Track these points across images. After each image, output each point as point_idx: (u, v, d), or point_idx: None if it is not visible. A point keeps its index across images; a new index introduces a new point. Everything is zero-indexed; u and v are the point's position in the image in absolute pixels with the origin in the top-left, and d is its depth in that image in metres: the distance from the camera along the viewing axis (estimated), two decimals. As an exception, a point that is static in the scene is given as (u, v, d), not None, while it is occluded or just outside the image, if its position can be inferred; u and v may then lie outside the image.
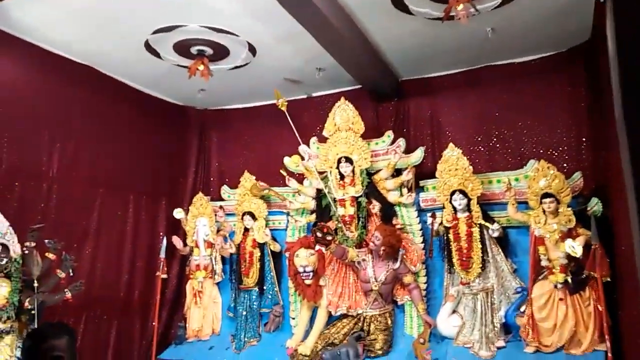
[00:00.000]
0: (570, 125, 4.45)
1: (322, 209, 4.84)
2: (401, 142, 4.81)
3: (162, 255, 5.05)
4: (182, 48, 4.55)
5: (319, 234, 4.34)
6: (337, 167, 4.76)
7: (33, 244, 3.76)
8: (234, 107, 6.18)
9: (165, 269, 5.04)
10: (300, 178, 5.13)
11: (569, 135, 4.45)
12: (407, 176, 4.61)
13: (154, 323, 4.96)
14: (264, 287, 5.07)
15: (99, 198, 4.96)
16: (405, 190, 4.68)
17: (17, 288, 3.61)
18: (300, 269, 4.51)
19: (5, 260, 3.60)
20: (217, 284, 5.34)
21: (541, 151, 4.51)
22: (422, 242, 4.58)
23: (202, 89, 5.55)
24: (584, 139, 4.37)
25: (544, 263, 3.90)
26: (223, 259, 5.38)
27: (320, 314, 4.58)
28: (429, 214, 4.48)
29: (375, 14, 3.88)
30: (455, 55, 4.67)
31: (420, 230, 4.63)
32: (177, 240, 5.36)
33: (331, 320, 4.57)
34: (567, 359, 3.73)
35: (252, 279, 5.07)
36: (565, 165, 4.26)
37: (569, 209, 3.83)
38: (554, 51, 4.51)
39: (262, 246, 5.12)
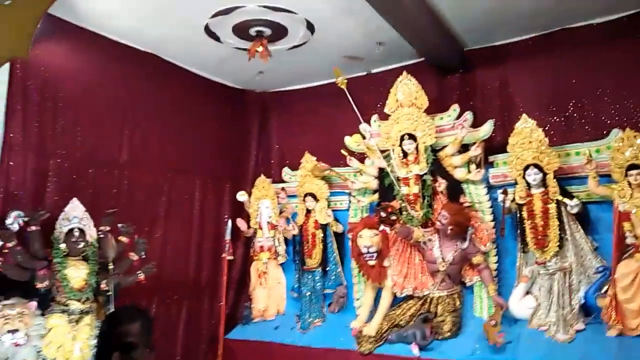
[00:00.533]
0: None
1: (385, 188, 4.71)
2: (468, 115, 4.56)
3: (228, 237, 5.16)
4: (241, 30, 4.53)
5: (382, 214, 4.24)
6: (400, 145, 4.60)
7: (108, 228, 3.92)
8: (292, 89, 6.13)
9: (231, 250, 5.15)
10: (361, 157, 5.01)
11: (657, 101, 4.04)
12: (476, 151, 4.38)
13: (221, 303, 5.09)
14: (327, 268, 5.04)
15: (167, 183, 5.10)
16: (473, 167, 4.45)
17: (95, 270, 3.79)
18: (364, 250, 4.42)
19: (83, 244, 3.78)
20: (281, 264, 5.38)
21: (624, 119, 4.10)
22: (492, 221, 4.36)
23: (260, 71, 5.54)
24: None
25: (629, 240, 3.58)
26: (286, 240, 5.40)
27: (384, 295, 4.49)
28: (499, 191, 4.22)
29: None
30: (527, 19, 4.32)
31: (490, 208, 4.39)
32: (241, 223, 5.44)
33: (396, 301, 4.47)
34: (654, 343, 3.43)
35: (315, 260, 5.05)
36: (653, 134, 3.85)
37: (658, 181, 3.48)
38: (635, 9, 4.07)
39: (324, 227, 5.09)
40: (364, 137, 4.95)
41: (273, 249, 5.33)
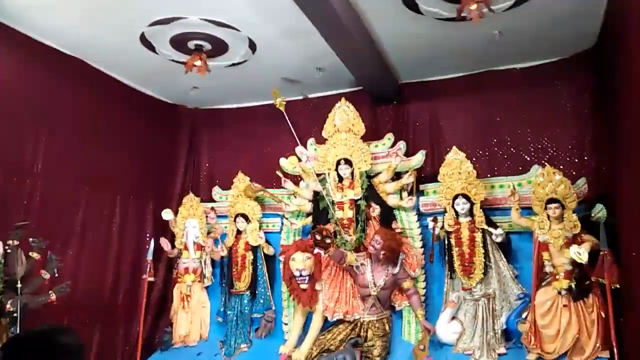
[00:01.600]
0: (573, 132, 4.44)
1: (319, 211, 4.71)
2: (401, 145, 4.73)
3: (150, 257, 4.87)
4: (179, 42, 4.39)
5: (318, 237, 4.21)
6: (336, 169, 4.65)
7: (16, 243, 3.53)
8: (227, 107, 6.04)
9: (152, 271, 4.85)
10: (296, 180, 4.99)
11: (571, 142, 4.44)
12: (408, 179, 4.53)
13: (138, 328, 4.75)
14: (256, 292, 4.89)
15: (84, 197, 4.74)
16: (405, 194, 4.60)
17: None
18: (296, 273, 4.36)
19: None
20: (206, 287, 5.15)
21: (544, 157, 4.49)
22: (421, 247, 4.50)
23: (195, 87, 5.40)
24: (586, 146, 4.37)
25: (547, 269, 3.85)
26: (213, 262, 5.19)
27: (315, 319, 4.43)
28: (429, 218, 4.38)
29: (384, 11, 3.80)
30: (458, 59, 4.63)
31: (420, 234, 4.54)
32: (165, 242, 5.15)
33: (326, 325, 4.43)
34: (570, 367, 3.68)
35: (244, 283, 4.89)
36: (568, 171, 4.22)
37: (574, 214, 3.79)
38: (557, 57, 4.51)
39: (255, 249, 4.95)
40: (300, 160, 4.94)
41: (199, 271, 5.10)
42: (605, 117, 4.00)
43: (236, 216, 5.02)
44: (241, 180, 5.17)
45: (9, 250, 3.48)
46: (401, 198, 4.58)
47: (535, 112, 4.63)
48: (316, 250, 4.34)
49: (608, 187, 3.86)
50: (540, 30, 4.04)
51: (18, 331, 3.31)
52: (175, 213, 5.27)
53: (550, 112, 4.54)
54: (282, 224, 5.05)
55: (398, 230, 4.48)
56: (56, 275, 3.65)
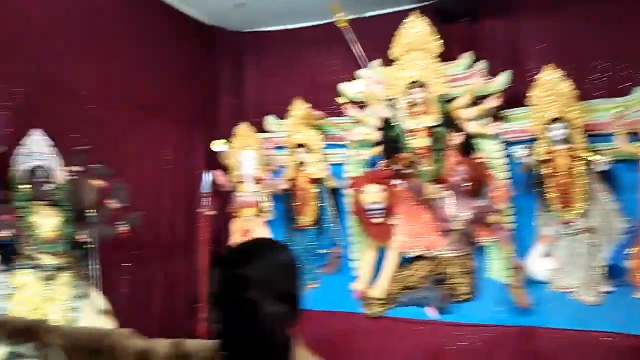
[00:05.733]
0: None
1: (389, 141, 4.31)
2: (482, 65, 4.22)
3: (207, 190, 4.56)
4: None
5: (396, 167, 3.84)
6: (408, 94, 4.20)
7: (80, 169, 3.20)
8: (274, 29, 5.51)
9: (212, 205, 4.57)
10: (359, 108, 4.55)
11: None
12: (493, 103, 4.07)
13: (201, 263, 4.53)
14: (322, 227, 4.60)
15: (135, 126, 4.37)
16: (487, 121, 4.16)
17: (69, 219, 3.08)
18: (370, 207, 4.04)
19: (50, 186, 3.05)
20: (267, 222, 4.87)
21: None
22: (507, 179, 4.10)
23: (240, 4, 4.89)
24: None
25: (657, 200, 3.46)
26: (273, 195, 4.88)
27: (390, 255, 4.14)
28: (519, 147, 3.96)
29: None
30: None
31: (506, 164, 4.13)
32: (220, 175, 4.84)
33: (402, 262, 4.15)
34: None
35: (308, 218, 4.59)
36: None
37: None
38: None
39: (318, 182, 4.62)
40: (364, 85, 4.48)
41: (258, 205, 4.80)
42: None
43: (296, 147, 4.64)
44: (299, 108, 4.74)
45: (73, 178, 3.17)
46: (483, 125, 4.15)
47: (635, 26, 4.06)
48: (394, 182, 3.97)
49: None
50: None
51: (95, 264, 3.06)
52: (227, 144, 4.92)
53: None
54: (347, 155, 4.67)
55: (481, 161, 4.08)
56: (126, 204, 3.35)
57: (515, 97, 4.18)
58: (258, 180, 4.80)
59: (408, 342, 3.83)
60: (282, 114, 5.01)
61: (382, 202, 4.03)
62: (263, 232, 4.82)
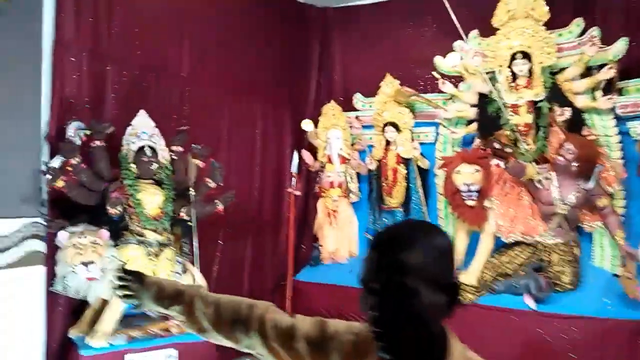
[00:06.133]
0: None
1: (487, 117, 4.03)
2: (595, 31, 3.79)
3: (294, 170, 4.56)
4: None
5: (497, 146, 3.59)
6: (509, 66, 3.90)
7: (181, 149, 3.31)
8: (360, 4, 5.34)
9: (299, 184, 4.58)
10: (454, 83, 4.30)
11: None
12: (607, 74, 3.66)
13: (287, 242, 4.58)
14: (409, 208, 4.46)
15: (227, 105, 4.45)
16: (599, 94, 3.75)
17: (171, 197, 3.21)
18: (463, 188, 3.82)
19: (155, 165, 3.18)
20: (353, 203, 4.80)
21: None
22: (620, 158, 3.70)
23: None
24: None
25: None
26: (358, 176, 4.80)
27: (484, 239, 3.91)
28: (634, 122, 3.55)
29: None
30: None
31: (619, 142, 3.71)
32: (307, 155, 4.83)
33: (496, 247, 3.91)
34: None
35: (396, 199, 4.46)
36: None
37: None
38: None
39: (407, 162, 4.46)
40: (459, 58, 4.21)
41: (344, 185, 4.74)
42: None
43: (385, 125, 4.51)
44: (389, 85, 4.59)
45: (174, 157, 3.29)
46: (594, 98, 3.75)
47: None
48: (491, 162, 3.72)
49: None
50: None
51: (193, 241, 3.17)
52: (315, 124, 4.89)
53: None
54: (437, 133, 4.46)
55: (591, 138, 3.71)
56: (221, 183, 3.43)
57: (631, 68, 3.75)
58: (345, 160, 4.73)
59: (501, 332, 3.59)
60: (370, 92, 4.88)
61: (477, 183, 3.79)
62: (349, 212, 4.78)
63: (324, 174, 4.81)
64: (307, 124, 4.84)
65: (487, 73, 4.00)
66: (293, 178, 4.57)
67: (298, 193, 4.62)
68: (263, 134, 4.83)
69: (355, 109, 5.00)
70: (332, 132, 4.76)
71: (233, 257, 4.34)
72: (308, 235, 5.06)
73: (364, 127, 4.82)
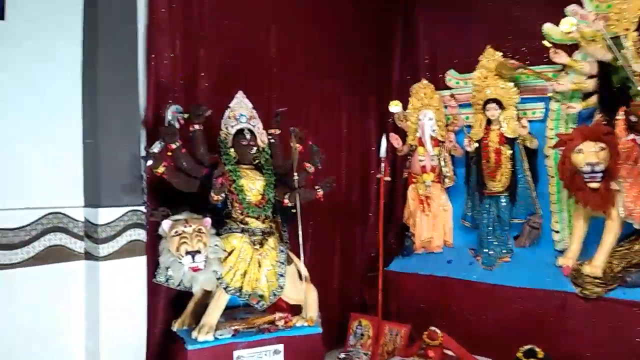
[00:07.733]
0: None
1: (610, 89, 3.55)
2: None
3: (383, 154, 4.25)
4: None
5: (632, 119, 3.12)
6: (638, 28, 3.40)
7: (278, 132, 3.11)
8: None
9: (387, 170, 4.27)
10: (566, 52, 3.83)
11: None
12: None
13: (377, 231, 4.31)
14: (515, 193, 4.05)
15: (313, 88, 4.23)
16: None
17: (271, 182, 3.02)
18: (586, 169, 3.36)
19: (254, 149, 3.00)
20: (448, 189, 4.45)
21: None
22: None
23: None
24: None
25: None
26: (452, 159, 4.44)
27: (610, 227, 3.44)
28: None
29: None
30: None
31: None
32: (395, 138, 4.52)
33: (625, 235, 3.45)
34: None
35: (500, 183, 4.07)
36: None
37: None
38: None
39: (512, 142, 4.05)
40: (573, 24, 3.73)
41: (437, 169, 4.39)
42: None
43: (486, 103, 4.11)
44: (490, 58, 4.17)
45: (272, 140, 3.09)
46: None
47: None
48: (630, 136, 3.25)
49: None
50: None
51: (299, 230, 2.96)
52: (403, 105, 4.56)
53: None
54: (547, 109, 4.01)
55: None
56: (319, 167, 3.21)
57: None
58: (438, 143, 4.38)
59: (634, 330, 3.18)
60: (464, 67, 4.49)
61: (603, 163, 3.34)
62: (443, 199, 4.44)
63: (414, 158, 4.49)
64: (395, 106, 4.52)
65: (610, 39, 3.52)
66: (382, 163, 4.27)
67: (388, 179, 4.31)
68: (348, 118, 4.58)
69: (447, 87, 4.62)
70: (423, 112, 4.41)
71: (322, 245, 4.14)
72: (396, 223, 4.77)
73: (460, 106, 4.44)
